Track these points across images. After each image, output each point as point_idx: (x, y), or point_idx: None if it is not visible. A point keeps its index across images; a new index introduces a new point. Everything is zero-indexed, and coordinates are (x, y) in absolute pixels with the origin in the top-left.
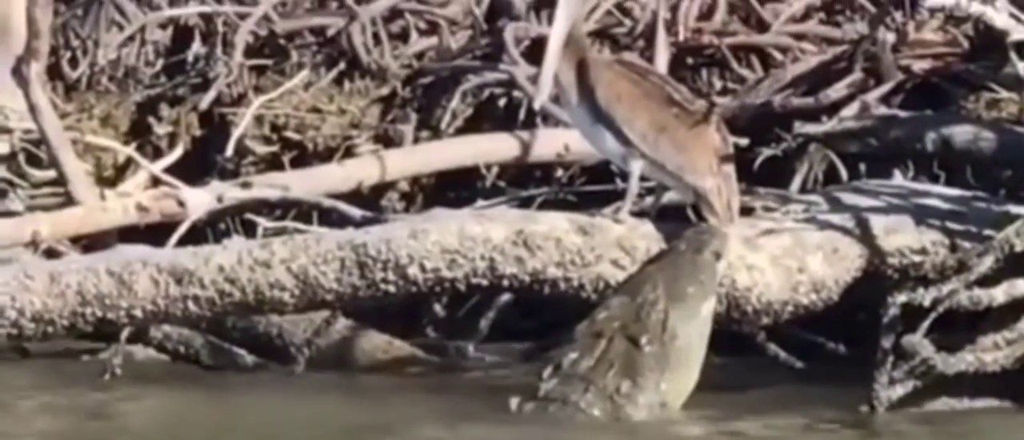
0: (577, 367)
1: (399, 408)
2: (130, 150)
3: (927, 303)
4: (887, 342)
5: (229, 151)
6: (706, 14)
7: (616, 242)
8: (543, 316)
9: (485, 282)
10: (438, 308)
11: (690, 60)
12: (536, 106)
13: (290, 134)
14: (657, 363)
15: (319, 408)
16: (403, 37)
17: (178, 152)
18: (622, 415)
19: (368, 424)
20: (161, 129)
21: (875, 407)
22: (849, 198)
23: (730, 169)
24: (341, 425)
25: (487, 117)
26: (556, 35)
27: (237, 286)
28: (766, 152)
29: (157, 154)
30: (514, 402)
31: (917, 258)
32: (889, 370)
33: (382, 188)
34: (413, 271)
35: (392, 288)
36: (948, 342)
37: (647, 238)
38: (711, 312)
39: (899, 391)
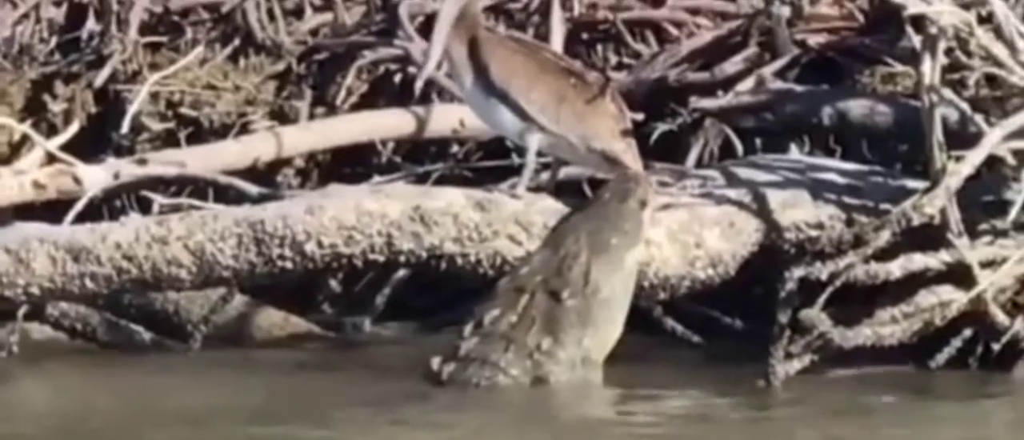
0: (498, 324)
1: (297, 385)
2: (25, 127)
3: (824, 277)
4: (784, 317)
5: (124, 128)
6: None
7: (513, 218)
8: (439, 292)
9: (382, 258)
10: (334, 284)
11: (585, 35)
12: (419, 82)
13: (185, 111)
14: (579, 318)
15: (217, 385)
16: (298, 13)
17: (74, 129)
18: (542, 373)
19: (266, 401)
20: (56, 106)
21: (771, 382)
22: (745, 173)
23: (631, 140)
24: (239, 402)
25: (382, 93)
26: (445, 13)
27: (134, 263)
28: (662, 127)
29: (52, 131)
30: (435, 362)
31: (814, 232)
32: (786, 345)
33: (278, 165)
34: (310, 247)
35: (289, 265)
36: (845, 316)
37: (544, 213)
38: (636, 263)
39: (796, 365)
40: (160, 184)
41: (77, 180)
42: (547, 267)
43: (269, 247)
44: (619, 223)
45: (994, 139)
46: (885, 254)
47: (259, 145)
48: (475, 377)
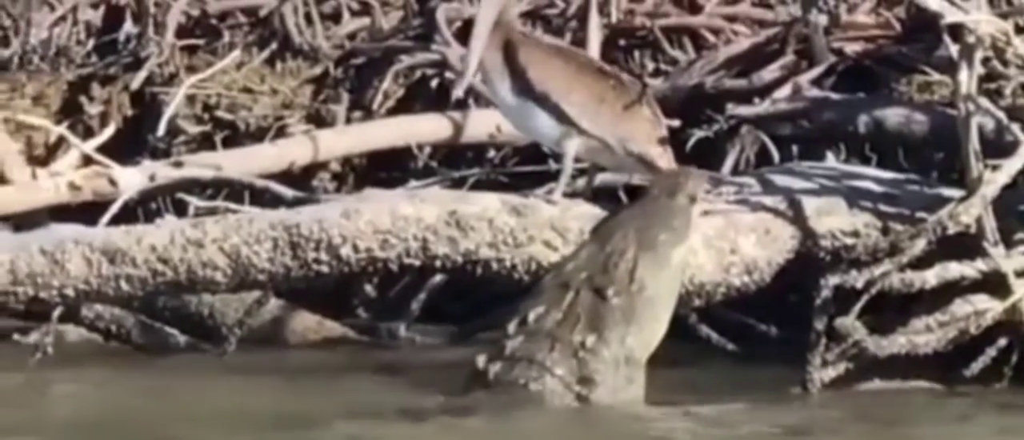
0: (543, 322)
1: (330, 389)
2: (62, 129)
3: (859, 285)
4: (819, 324)
5: (161, 131)
6: None
7: (549, 223)
8: (474, 298)
9: (417, 262)
10: (369, 289)
11: (622, 42)
12: (458, 92)
13: (222, 114)
14: (623, 316)
15: (251, 389)
16: (335, 17)
17: (110, 131)
18: (587, 372)
19: (299, 405)
20: (93, 108)
21: (808, 389)
22: (781, 180)
23: (667, 145)
24: (273, 406)
25: (419, 98)
26: (483, 19)
27: (169, 265)
28: (698, 134)
29: (89, 133)
30: (481, 360)
31: (849, 240)
32: (822, 352)
33: (314, 168)
34: (346, 251)
35: (325, 268)
36: (880, 324)
37: (580, 219)
38: (683, 260)
39: (831, 373)
40: (196, 187)
41: (113, 182)
42: (593, 263)
43: (304, 250)
44: (668, 219)
45: None
46: (920, 262)
47: (295, 148)
48: (522, 377)
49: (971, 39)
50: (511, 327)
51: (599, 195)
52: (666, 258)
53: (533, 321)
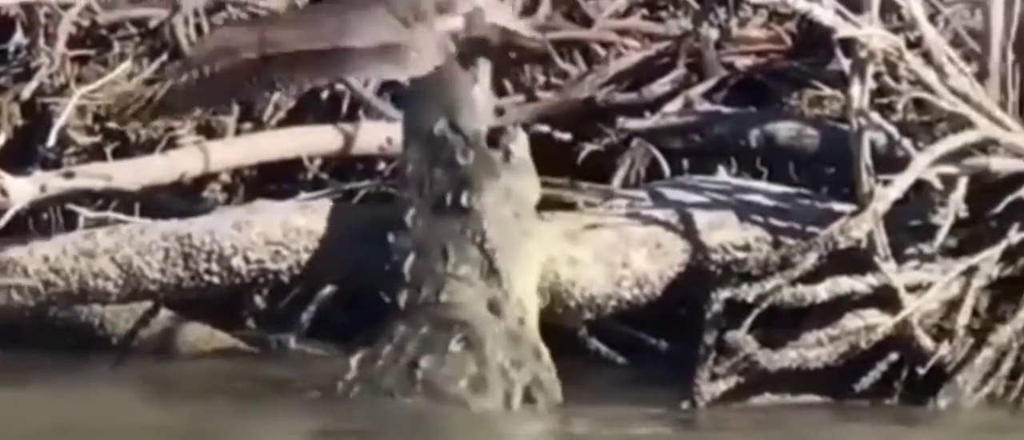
0: None
1: (220, 400)
2: None
3: (750, 299)
4: (710, 338)
5: (51, 141)
6: (530, 8)
7: None
8: (364, 309)
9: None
10: (259, 300)
11: (514, 54)
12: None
13: (112, 125)
14: None
15: (141, 400)
16: None
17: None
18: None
19: (188, 416)
20: None
21: (696, 403)
22: (673, 194)
23: None
24: (161, 418)
25: (310, 109)
26: None
27: (61, 276)
28: (589, 147)
29: None
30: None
31: (740, 254)
32: (711, 366)
33: (204, 180)
34: (237, 262)
35: (216, 279)
36: (771, 338)
37: None
38: None
39: (722, 387)
40: (86, 197)
41: (3, 192)
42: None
43: (196, 261)
44: None
45: (922, 163)
46: (811, 277)
47: (186, 160)
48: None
49: (863, 54)
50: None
51: None
52: None
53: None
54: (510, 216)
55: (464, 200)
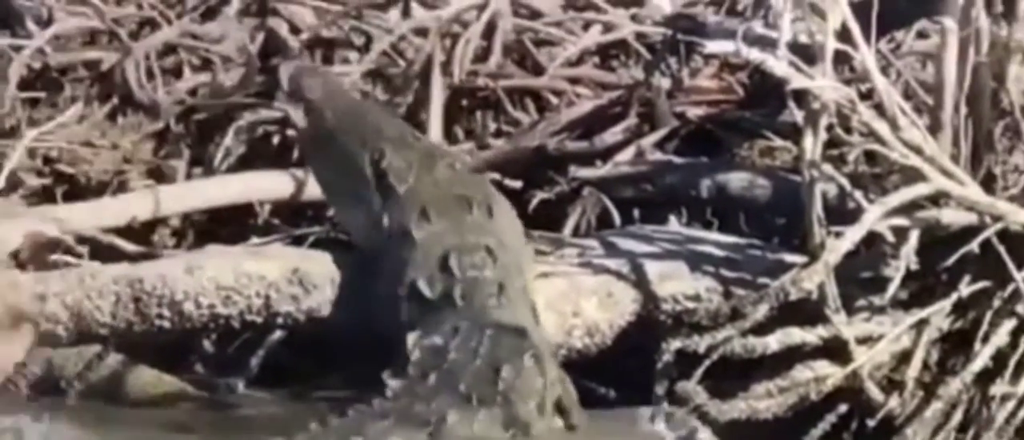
0: None
1: None
2: None
3: (701, 350)
4: (660, 388)
5: (0, 183)
6: (482, 56)
7: None
8: (314, 356)
9: (260, 319)
10: (207, 345)
11: (465, 102)
12: None
13: (63, 167)
14: None
15: None
16: (177, 73)
17: None
18: None
19: None
20: None
21: None
22: (624, 243)
23: None
24: None
25: (261, 155)
26: None
27: None
28: (540, 195)
29: None
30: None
31: (691, 304)
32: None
33: (153, 224)
34: (188, 307)
35: (167, 324)
36: (721, 389)
37: None
38: None
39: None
40: None
41: None
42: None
43: (147, 306)
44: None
45: (874, 216)
46: (762, 328)
47: (137, 203)
48: None
49: (816, 105)
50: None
51: None
52: None
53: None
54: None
55: None
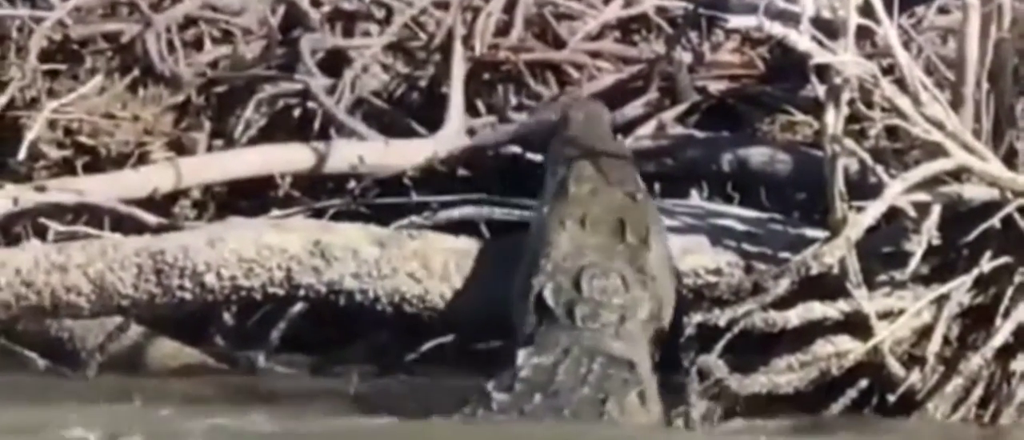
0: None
1: (186, 417)
2: None
3: (722, 324)
4: (686, 361)
5: (22, 155)
6: (503, 30)
7: (413, 255)
8: (334, 329)
9: (281, 292)
10: (227, 317)
11: (486, 75)
12: None
13: (84, 139)
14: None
15: (108, 415)
16: (197, 45)
17: None
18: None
19: (158, 432)
20: None
21: (689, 425)
22: None
23: None
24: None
25: (281, 127)
26: None
27: (33, 289)
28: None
29: None
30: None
31: (712, 279)
32: (697, 388)
33: (175, 196)
34: (210, 279)
35: (188, 296)
36: (742, 363)
37: (444, 252)
38: None
39: (693, 412)
40: (58, 212)
41: None
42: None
43: (169, 277)
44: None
45: (895, 191)
46: (783, 302)
47: (158, 175)
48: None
49: (839, 80)
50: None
51: (460, 228)
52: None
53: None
54: None
55: None
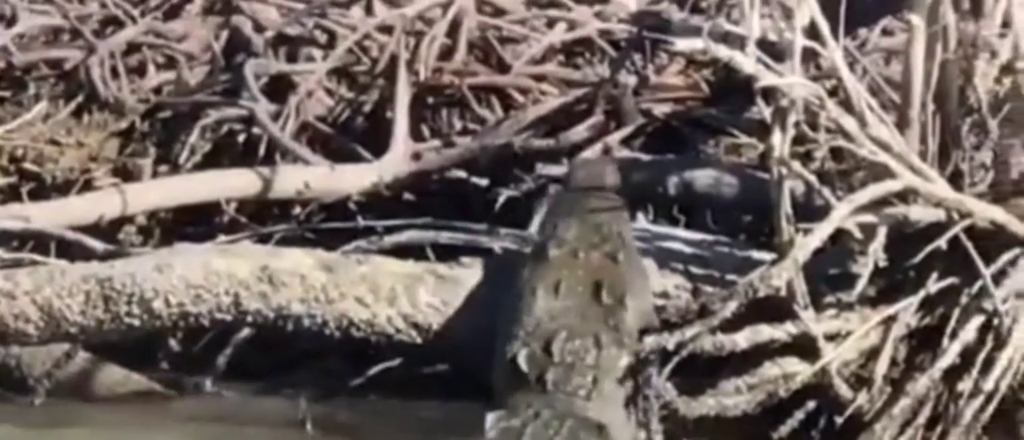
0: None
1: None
2: None
3: (671, 347)
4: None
5: None
6: (446, 54)
7: (361, 279)
8: (280, 354)
9: (229, 317)
10: (173, 343)
11: (430, 100)
12: None
13: (29, 166)
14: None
15: (60, 437)
16: (141, 71)
17: None
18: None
19: None
20: None
21: None
22: None
23: None
24: None
25: (226, 152)
26: None
27: None
28: (506, 193)
29: None
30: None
31: (660, 301)
32: (648, 410)
33: (120, 222)
34: (158, 305)
35: (136, 322)
36: (690, 387)
37: (392, 277)
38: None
39: (641, 435)
40: (4, 239)
41: None
42: (590, 235)
43: (117, 304)
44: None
45: (842, 212)
46: (731, 325)
47: (105, 201)
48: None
49: (785, 102)
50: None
51: (406, 253)
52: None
53: (563, 292)
54: None
55: None
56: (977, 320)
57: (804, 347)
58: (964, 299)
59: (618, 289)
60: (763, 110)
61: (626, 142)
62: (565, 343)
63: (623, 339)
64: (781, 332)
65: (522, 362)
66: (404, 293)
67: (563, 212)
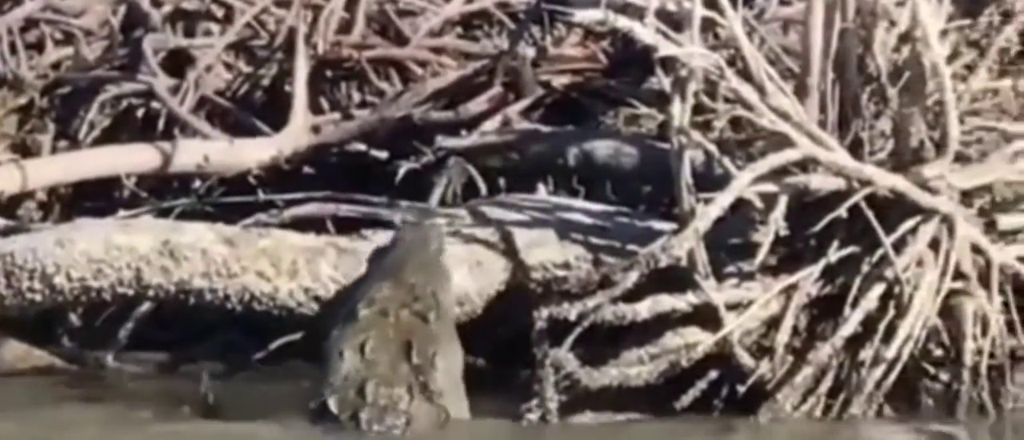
0: (377, 352)
1: (38, 418)
2: None
3: (572, 317)
4: (539, 354)
5: None
6: (345, 27)
7: (262, 253)
8: (182, 327)
9: (131, 292)
10: (74, 318)
11: (329, 73)
12: None
13: None
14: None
15: None
16: (39, 47)
17: None
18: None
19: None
20: None
21: (546, 419)
22: (492, 212)
23: None
24: None
25: (126, 128)
26: None
27: None
28: (406, 166)
29: None
30: (333, 402)
31: (561, 272)
32: (551, 382)
33: (19, 198)
34: (59, 280)
35: (38, 297)
36: (592, 357)
37: (293, 250)
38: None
39: (550, 405)
40: None
41: None
42: (401, 294)
43: (19, 279)
44: (436, 260)
45: (743, 182)
46: (632, 295)
47: (3, 177)
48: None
49: (684, 72)
50: (339, 364)
51: (305, 225)
52: (449, 288)
53: (369, 351)
54: None
55: None
56: (878, 288)
57: (706, 317)
58: (865, 267)
59: (428, 350)
60: (662, 80)
61: (525, 113)
62: (377, 388)
63: (432, 396)
64: (683, 302)
65: (333, 405)
66: (305, 266)
67: (378, 274)
